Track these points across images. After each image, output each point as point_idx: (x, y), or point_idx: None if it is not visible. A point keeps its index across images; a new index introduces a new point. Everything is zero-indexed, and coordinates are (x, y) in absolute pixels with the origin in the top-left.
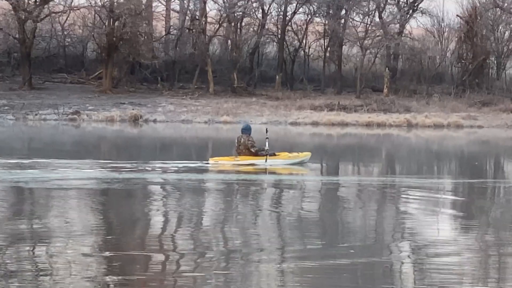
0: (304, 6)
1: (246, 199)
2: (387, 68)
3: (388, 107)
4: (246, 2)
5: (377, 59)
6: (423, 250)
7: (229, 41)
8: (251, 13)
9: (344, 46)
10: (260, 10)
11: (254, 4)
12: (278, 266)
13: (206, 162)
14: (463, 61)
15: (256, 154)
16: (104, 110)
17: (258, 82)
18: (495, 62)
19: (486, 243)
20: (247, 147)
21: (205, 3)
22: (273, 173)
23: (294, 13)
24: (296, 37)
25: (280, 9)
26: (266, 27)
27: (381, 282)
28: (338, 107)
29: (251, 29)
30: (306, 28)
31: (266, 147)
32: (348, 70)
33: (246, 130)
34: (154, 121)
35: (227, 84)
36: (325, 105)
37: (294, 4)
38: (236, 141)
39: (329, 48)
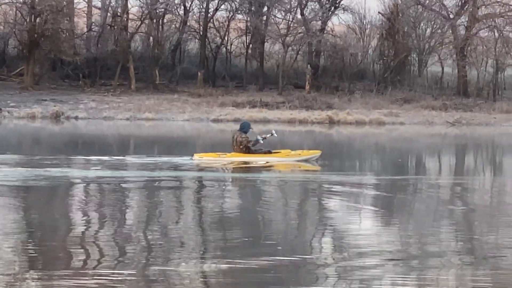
0: (226, 3)
1: (170, 196)
2: (309, 65)
3: (310, 104)
4: None
5: (299, 56)
6: (346, 246)
7: (151, 38)
8: (173, 9)
9: (266, 43)
10: (182, 7)
11: (176, 1)
12: (200, 265)
13: (190, 158)
14: (384, 58)
15: (251, 152)
16: (25, 106)
17: (180, 79)
18: (417, 59)
19: (408, 237)
20: (240, 144)
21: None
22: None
23: (216, 10)
24: (218, 34)
25: (202, 6)
26: (188, 24)
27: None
28: (260, 104)
29: (173, 26)
30: (228, 25)
31: (260, 138)
32: (270, 67)
33: (241, 127)
34: (76, 118)
35: (149, 81)
36: (247, 102)
37: (216, 1)
38: (232, 138)
39: (251, 45)
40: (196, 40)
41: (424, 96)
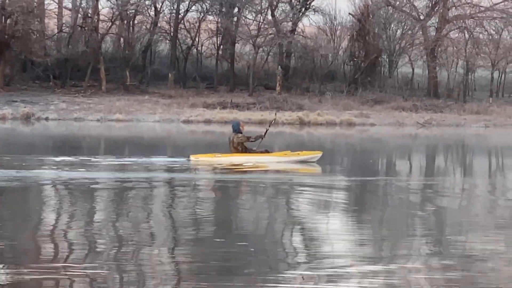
0: (196, 4)
1: (142, 198)
2: (279, 67)
3: (280, 105)
4: (138, 0)
5: (269, 57)
6: (316, 247)
7: (121, 39)
8: (144, 11)
9: (236, 44)
10: (153, 8)
11: (147, 2)
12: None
13: (187, 159)
14: (355, 59)
15: (249, 152)
16: None
17: (151, 80)
18: (387, 60)
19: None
20: (238, 145)
21: (97, 0)
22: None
23: (187, 11)
24: (188, 35)
25: (173, 7)
26: (159, 25)
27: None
28: (230, 105)
29: (144, 27)
30: (199, 26)
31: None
32: (241, 68)
33: (233, 129)
34: (46, 119)
35: (120, 82)
36: (217, 103)
37: (187, 2)
38: (228, 140)
39: (221, 46)
40: (167, 41)
41: (395, 97)
